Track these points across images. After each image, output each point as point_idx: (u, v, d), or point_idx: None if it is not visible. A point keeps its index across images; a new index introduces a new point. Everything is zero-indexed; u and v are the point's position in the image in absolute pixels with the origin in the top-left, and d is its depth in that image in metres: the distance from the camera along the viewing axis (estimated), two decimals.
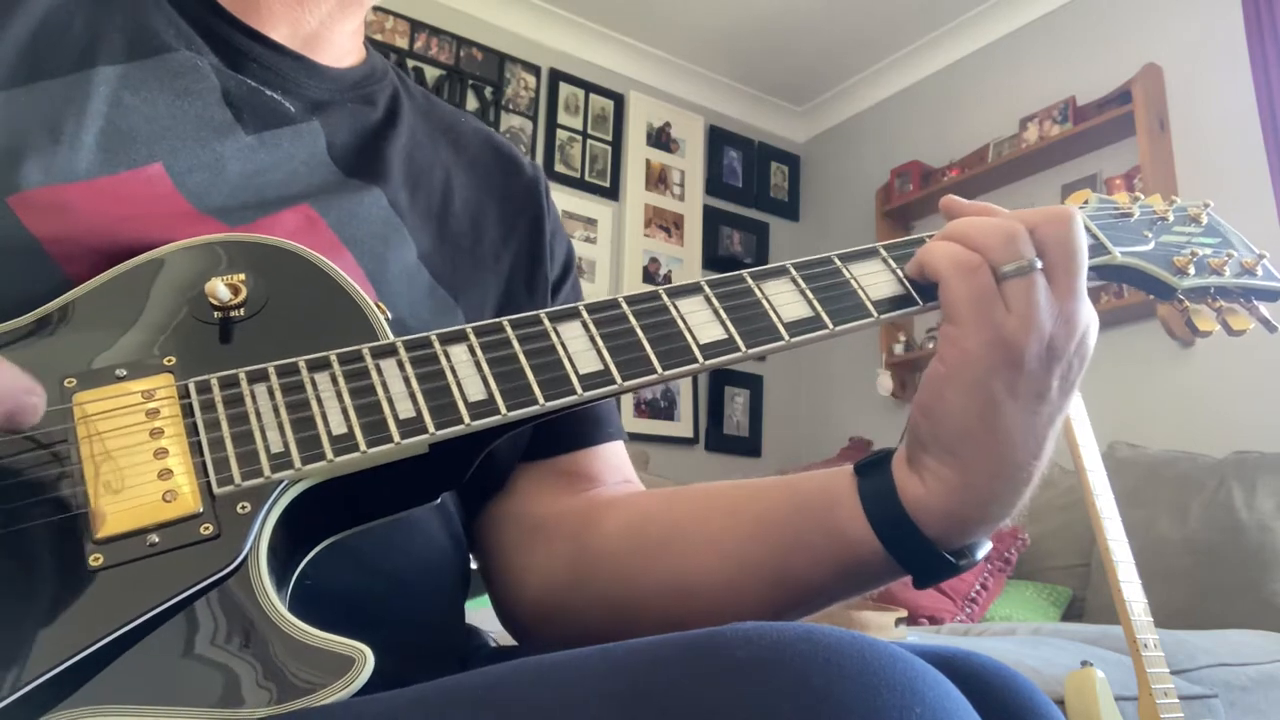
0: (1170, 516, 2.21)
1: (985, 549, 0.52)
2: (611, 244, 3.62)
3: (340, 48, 0.68)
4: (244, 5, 0.63)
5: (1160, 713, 1.16)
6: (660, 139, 3.82)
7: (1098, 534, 1.25)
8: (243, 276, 0.49)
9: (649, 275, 3.67)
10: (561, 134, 3.56)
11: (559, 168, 3.53)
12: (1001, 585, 2.35)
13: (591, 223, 3.58)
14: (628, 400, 3.47)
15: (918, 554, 0.50)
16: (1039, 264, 0.48)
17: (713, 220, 3.89)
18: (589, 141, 3.63)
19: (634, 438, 3.42)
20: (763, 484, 0.59)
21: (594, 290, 3.48)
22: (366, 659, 0.39)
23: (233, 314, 0.48)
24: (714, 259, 3.82)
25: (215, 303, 0.48)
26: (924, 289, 0.52)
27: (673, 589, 0.57)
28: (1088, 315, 0.49)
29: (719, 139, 3.98)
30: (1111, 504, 1.27)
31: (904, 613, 1.52)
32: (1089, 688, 1.22)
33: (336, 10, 0.65)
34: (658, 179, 3.78)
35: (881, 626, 1.44)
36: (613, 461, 0.70)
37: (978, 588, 2.30)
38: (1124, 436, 2.46)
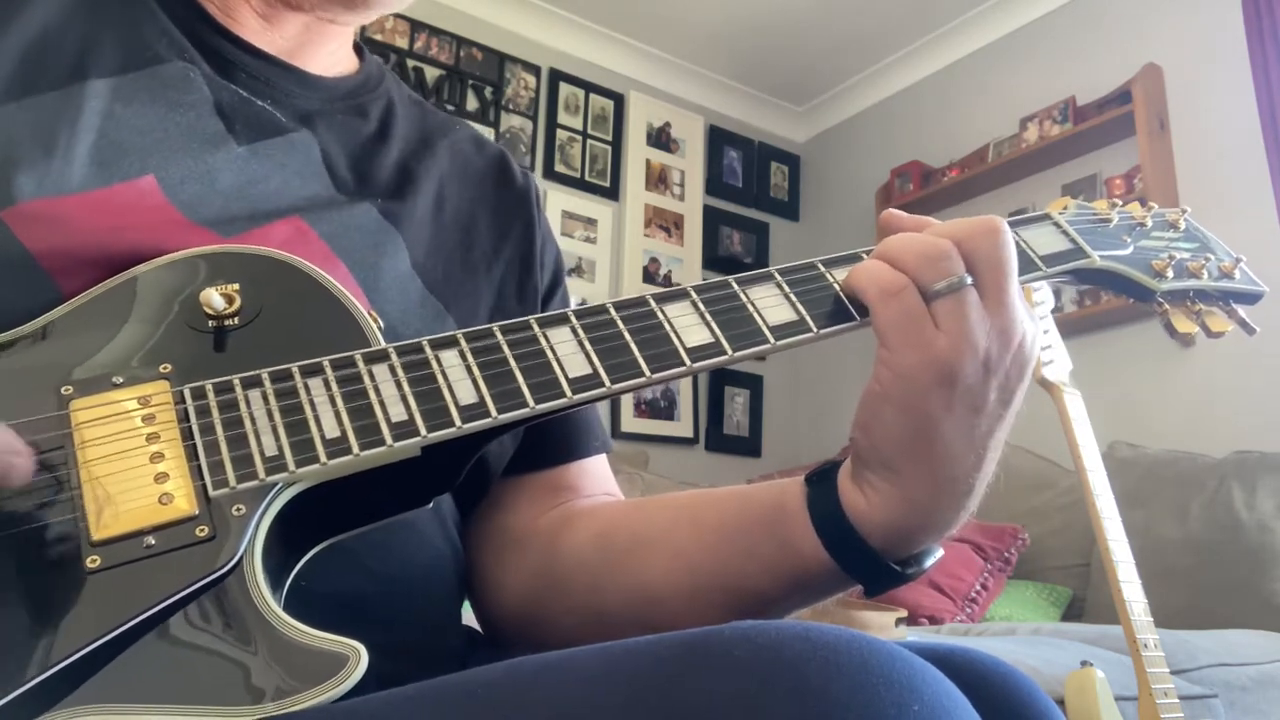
0: (1170, 516, 2.21)
1: (935, 556, 0.52)
2: (611, 244, 3.62)
3: (329, 59, 0.68)
4: (226, 17, 0.63)
5: (1160, 713, 1.17)
6: (660, 139, 3.82)
7: (1098, 534, 1.26)
8: (237, 286, 0.50)
9: (649, 275, 3.67)
10: (561, 134, 3.56)
11: (559, 168, 3.53)
12: (1001, 585, 2.35)
13: (591, 223, 3.58)
14: (627, 400, 3.47)
15: (864, 564, 0.51)
16: (969, 280, 0.48)
17: (713, 220, 3.89)
18: (589, 141, 3.63)
19: (634, 438, 3.43)
20: (723, 493, 0.59)
21: (594, 290, 3.48)
22: (361, 657, 0.39)
23: (227, 323, 0.49)
24: (714, 259, 3.82)
25: (210, 312, 0.48)
26: (863, 306, 0.51)
27: (638, 597, 0.58)
28: (1022, 325, 0.49)
29: (719, 139, 3.98)
30: (1111, 504, 1.28)
31: (904, 612, 1.52)
32: (1089, 688, 1.22)
33: (304, 32, 0.66)
34: (658, 179, 3.78)
35: (882, 626, 1.44)
36: (596, 474, 0.70)
37: (978, 588, 2.29)
38: (1124, 436, 2.46)
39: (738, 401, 3.79)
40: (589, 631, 0.58)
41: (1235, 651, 1.72)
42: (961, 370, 0.47)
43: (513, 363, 0.48)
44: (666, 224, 3.77)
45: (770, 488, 0.56)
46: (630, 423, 3.48)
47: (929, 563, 0.52)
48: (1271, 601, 2.01)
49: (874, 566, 0.50)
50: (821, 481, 0.53)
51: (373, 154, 0.66)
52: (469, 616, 0.69)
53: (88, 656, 0.37)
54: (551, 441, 0.68)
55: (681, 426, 3.62)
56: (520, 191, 0.75)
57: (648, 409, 3.55)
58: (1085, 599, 2.36)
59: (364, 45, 0.74)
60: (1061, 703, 1.24)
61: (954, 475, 0.48)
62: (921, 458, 0.48)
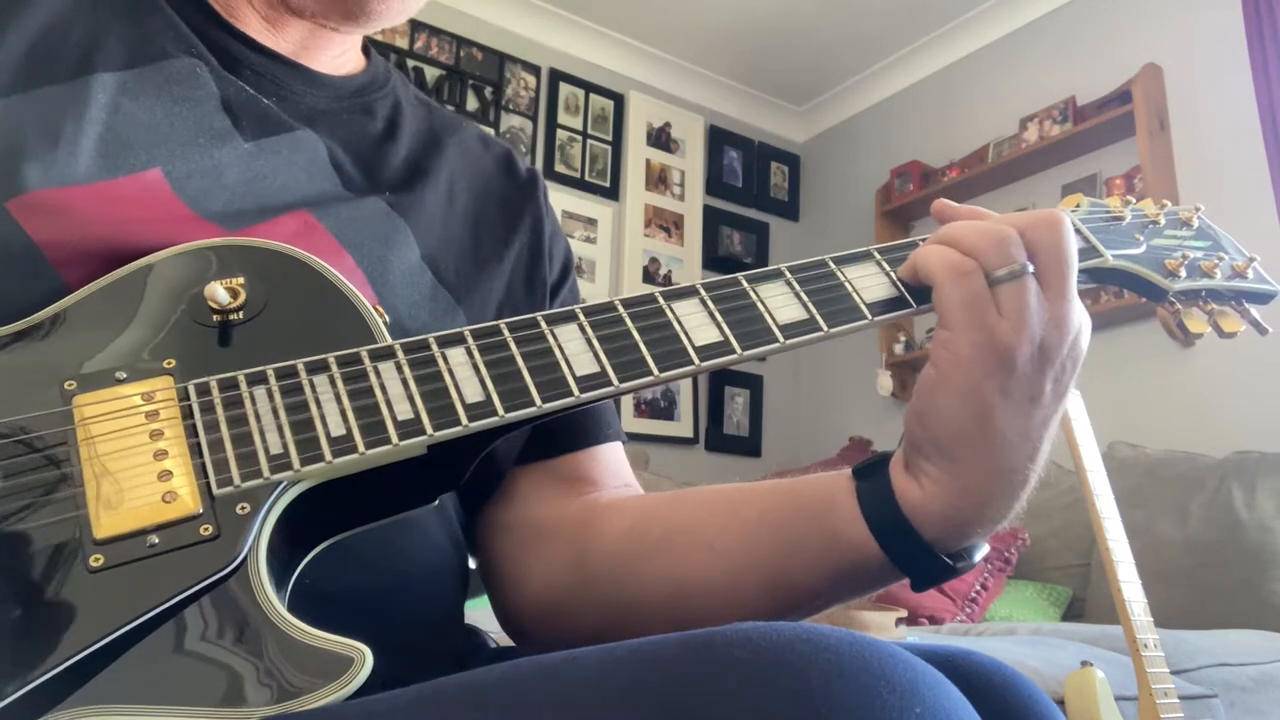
0: (1170, 516, 2.21)
1: (983, 551, 0.52)
2: (611, 244, 3.62)
3: (335, 60, 0.68)
4: (231, 17, 0.63)
5: (1160, 713, 1.16)
6: (660, 139, 3.82)
7: (1098, 534, 1.25)
8: (242, 280, 0.49)
9: (649, 275, 3.67)
10: (561, 134, 3.56)
11: (559, 168, 3.52)
12: (1001, 585, 2.35)
13: (591, 223, 3.58)
14: (627, 400, 3.47)
15: (916, 557, 0.50)
16: (1031, 268, 0.48)
17: (713, 220, 3.89)
18: (589, 141, 3.63)
19: (634, 438, 3.42)
20: (762, 487, 0.59)
21: (594, 290, 3.48)
22: (365, 659, 0.39)
23: (231, 317, 0.48)
24: (714, 259, 3.82)
25: (214, 306, 0.48)
26: (917, 291, 0.52)
27: (672, 592, 0.58)
28: (1079, 317, 0.49)
29: (719, 139, 3.98)
30: (1111, 504, 1.27)
31: (904, 613, 1.52)
32: (1089, 688, 1.22)
33: (308, 36, 0.66)
34: (658, 179, 3.78)
35: (882, 626, 1.44)
36: (611, 464, 0.70)
37: (978, 588, 2.30)
38: (1124, 436, 2.46)
39: (738, 401, 3.79)
40: (616, 626, 0.58)
41: (1235, 651, 1.72)
42: (1019, 355, 0.47)
43: (520, 361, 0.48)
44: (666, 224, 3.77)
45: (814, 480, 0.55)
46: (630, 423, 3.47)
47: (978, 556, 0.52)
48: (1271, 601, 2.01)
49: (926, 559, 0.50)
50: (872, 473, 0.52)
51: (380, 152, 0.66)
52: (469, 616, 0.69)
53: (90, 657, 0.37)
54: (563, 429, 0.67)
55: (681, 426, 3.62)
56: (527, 186, 0.74)
57: (648, 409, 3.55)
58: (1085, 599, 2.36)
59: (370, 44, 0.73)
60: (1061, 703, 1.24)
61: (1011, 465, 0.48)
62: (978, 445, 0.48)
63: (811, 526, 0.53)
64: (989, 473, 0.48)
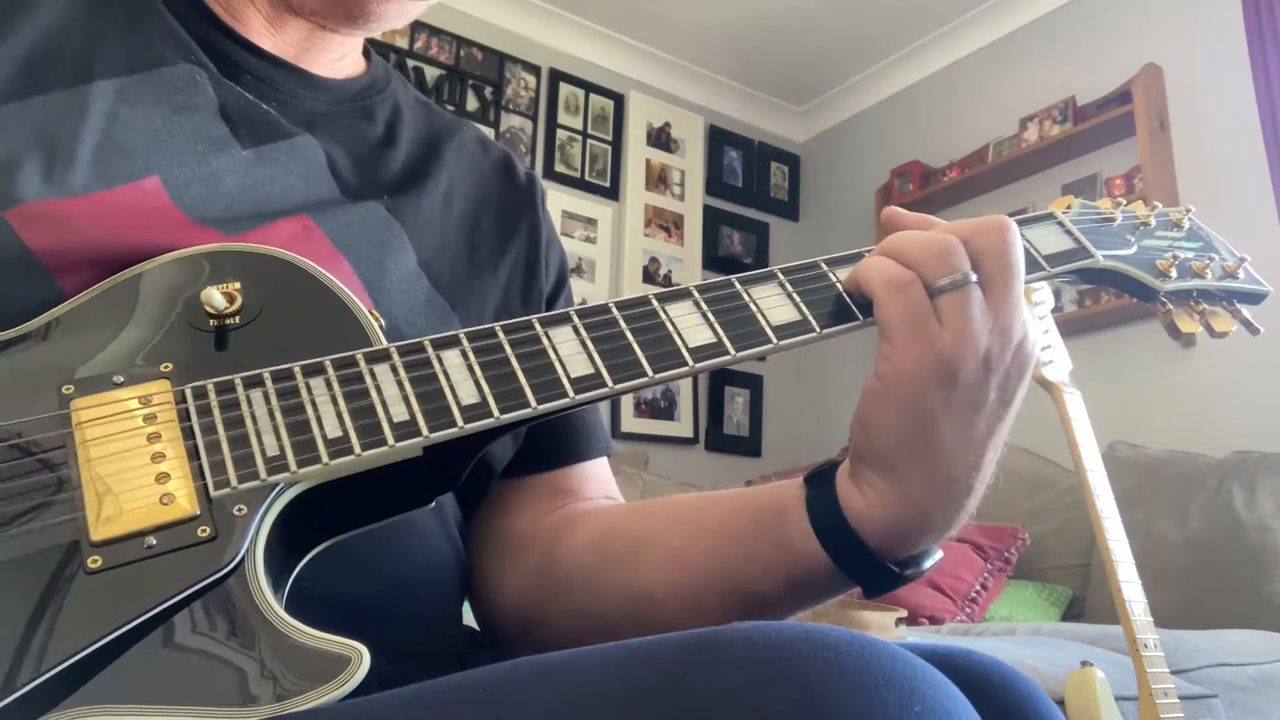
0: (1170, 516, 2.21)
1: (934, 558, 0.52)
2: (611, 244, 3.62)
3: (335, 62, 0.68)
4: (232, 19, 0.63)
5: (1160, 713, 1.17)
6: (660, 139, 3.82)
7: (1098, 534, 1.26)
8: (238, 285, 0.50)
9: (649, 275, 3.67)
10: (561, 134, 3.56)
11: (559, 168, 3.53)
12: (1001, 585, 2.35)
13: (591, 223, 3.58)
14: (627, 400, 3.47)
15: (862, 565, 0.50)
16: (973, 277, 0.48)
17: (713, 220, 3.89)
18: (589, 141, 3.63)
19: (634, 438, 3.43)
20: (723, 496, 0.59)
21: (594, 290, 3.48)
22: (363, 658, 0.39)
23: (228, 322, 0.49)
24: (714, 259, 3.82)
25: (211, 310, 0.48)
26: (865, 305, 0.52)
27: (636, 600, 0.58)
28: (1024, 324, 0.49)
29: (719, 139, 3.98)
30: (1111, 504, 1.28)
31: (904, 612, 1.52)
32: (1089, 688, 1.22)
33: (308, 37, 0.66)
34: (658, 179, 3.78)
35: (882, 626, 1.44)
36: (597, 477, 0.70)
37: (978, 588, 2.29)
38: (1124, 436, 2.46)
39: (738, 401, 3.79)
40: (588, 634, 0.58)
41: (1235, 651, 1.72)
42: (962, 367, 0.47)
43: (515, 362, 0.48)
44: (666, 224, 3.77)
45: (771, 489, 0.56)
46: (630, 423, 3.48)
47: (928, 564, 0.51)
48: (1271, 601, 2.01)
49: (872, 567, 0.50)
50: (820, 481, 0.52)
51: (379, 157, 0.66)
52: (469, 617, 0.69)
53: (89, 657, 0.37)
54: (553, 444, 0.68)
55: (681, 426, 3.62)
56: (525, 192, 0.74)
57: (648, 409, 3.55)
58: (1085, 599, 2.36)
59: (370, 47, 0.73)
60: (1061, 703, 1.24)
61: (952, 474, 0.48)
62: (920, 456, 0.48)
63: (765, 535, 0.54)
64: (930, 482, 0.48)
